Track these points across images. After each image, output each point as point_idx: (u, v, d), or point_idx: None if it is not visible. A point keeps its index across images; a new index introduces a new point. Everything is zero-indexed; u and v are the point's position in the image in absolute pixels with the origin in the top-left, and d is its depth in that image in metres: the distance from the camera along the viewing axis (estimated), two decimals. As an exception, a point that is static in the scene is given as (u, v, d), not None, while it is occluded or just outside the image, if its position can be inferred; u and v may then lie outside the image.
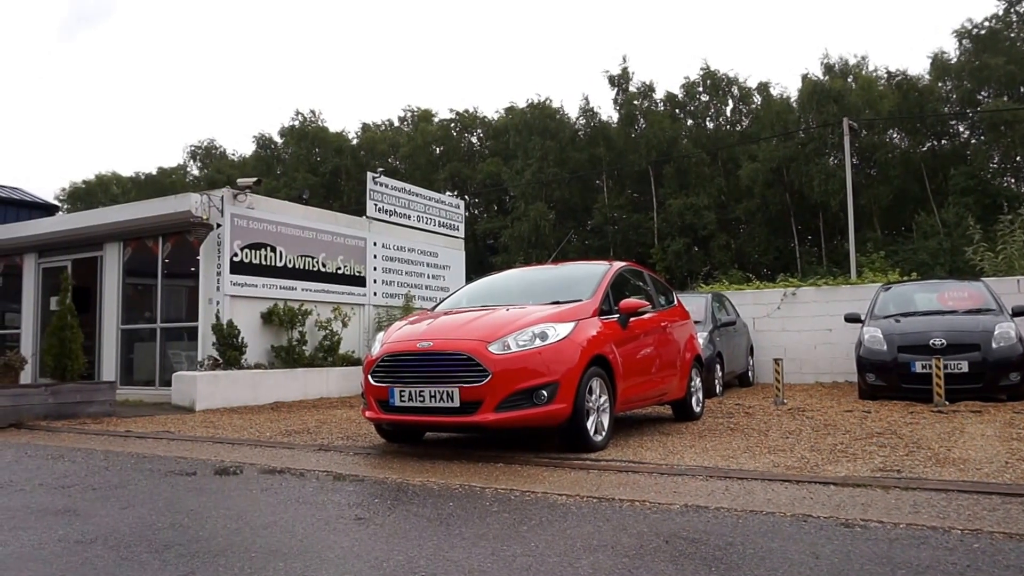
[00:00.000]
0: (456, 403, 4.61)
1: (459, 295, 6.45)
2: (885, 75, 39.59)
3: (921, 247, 32.98)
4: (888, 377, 8.25)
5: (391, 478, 4.21)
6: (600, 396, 5.09)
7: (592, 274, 6.01)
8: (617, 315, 5.59)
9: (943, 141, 39.37)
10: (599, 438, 5.00)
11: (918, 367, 8.00)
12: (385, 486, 4.01)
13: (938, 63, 38.35)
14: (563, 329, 4.92)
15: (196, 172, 56.86)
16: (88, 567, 2.60)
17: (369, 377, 5.05)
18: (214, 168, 53.50)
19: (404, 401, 4.78)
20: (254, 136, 59.88)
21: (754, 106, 43.11)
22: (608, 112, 50.32)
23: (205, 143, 57.63)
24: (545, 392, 4.64)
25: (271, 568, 2.51)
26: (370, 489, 3.95)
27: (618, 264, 6.39)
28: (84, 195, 56.69)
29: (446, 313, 5.60)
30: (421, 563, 2.55)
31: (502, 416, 4.56)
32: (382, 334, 5.49)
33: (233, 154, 57.23)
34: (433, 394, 4.67)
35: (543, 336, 4.82)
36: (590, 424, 4.92)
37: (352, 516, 3.28)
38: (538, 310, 5.22)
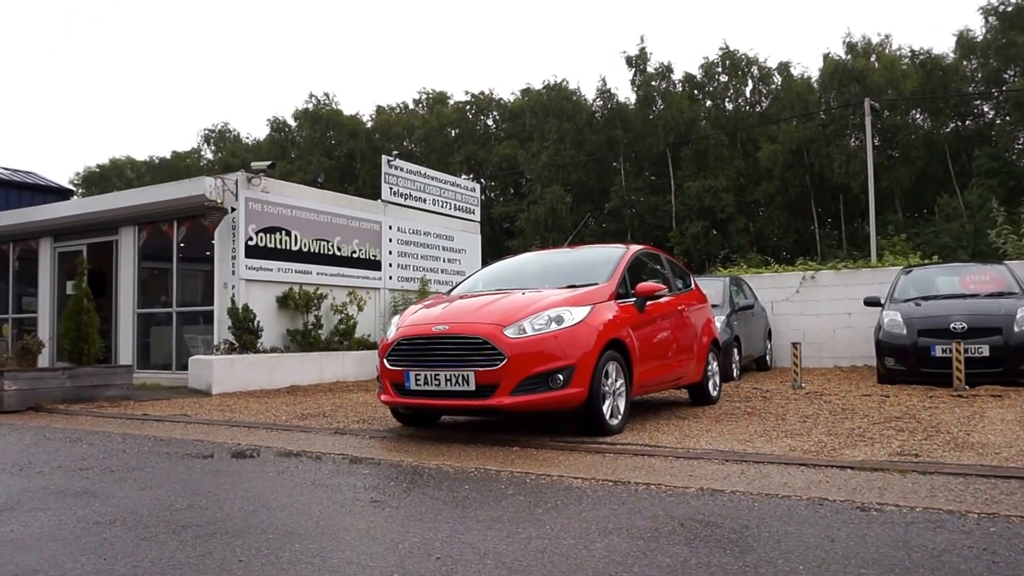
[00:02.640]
0: (472, 387, 4.63)
1: (474, 279, 6.46)
2: (908, 54, 38.77)
3: (943, 230, 32.44)
4: (907, 361, 8.18)
5: (407, 461, 4.25)
6: (616, 380, 5.09)
7: (609, 257, 6.00)
8: (634, 299, 5.58)
9: (967, 121, 38.57)
10: (615, 422, 5.01)
11: (938, 351, 7.93)
12: (401, 469, 4.05)
13: (963, 41, 37.44)
14: (579, 313, 4.92)
15: (210, 156, 57.18)
16: (107, 547, 2.66)
17: (384, 361, 5.08)
18: (228, 152, 53.74)
19: (420, 385, 4.81)
20: (268, 119, 60.15)
21: (774, 87, 42.46)
22: (625, 93, 49.90)
23: (219, 127, 57.86)
24: (561, 376, 4.65)
25: (287, 549, 2.56)
26: (386, 472, 3.99)
27: (635, 247, 6.37)
28: (99, 179, 57.26)
29: (461, 297, 5.61)
30: (436, 545, 2.58)
31: (518, 400, 4.58)
32: (397, 318, 5.52)
33: (247, 138, 57.49)
34: (449, 378, 4.70)
35: (559, 320, 4.82)
36: (606, 408, 4.93)
37: (368, 499, 3.32)
38: (554, 294, 5.22)
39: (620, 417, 5.09)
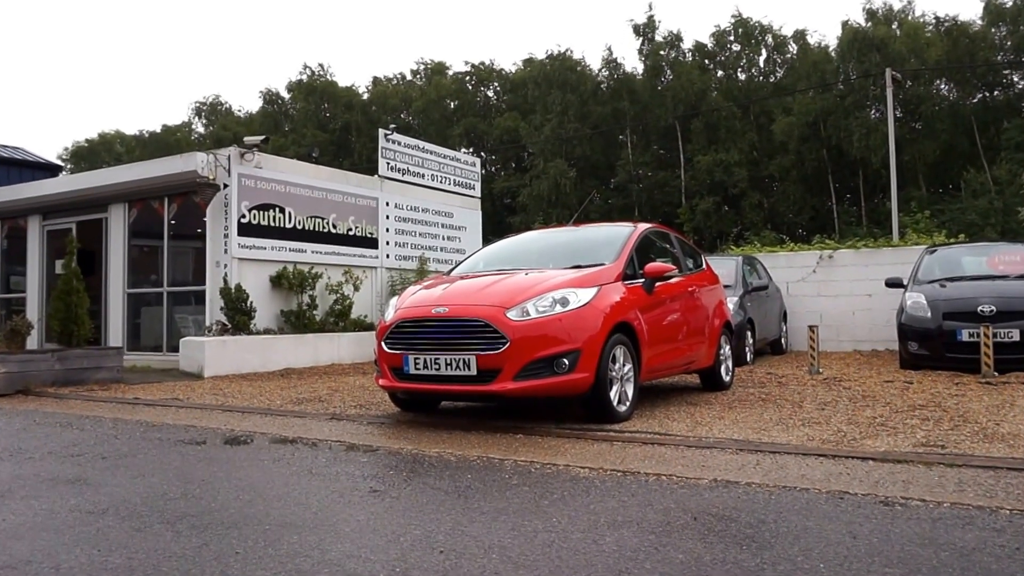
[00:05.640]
0: (473, 371, 4.60)
1: (476, 258, 6.41)
2: (933, 21, 38.20)
3: (970, 206, 32.15)
4: (932, 346, 8.10)
5: (406, 449, 4.24)
6: (624, 365, 5.06)
7: (616, 237, 5.94)
8: (642, 280, 5.53)
9: (995, 92, 38.06)
10: (623, 408, 4.99)
11: (965, 335, 7.84)
12: (400, 457, 4.04)
13: (991, 7, 36.82)
14: (585, 295, 4.88)
15: (201, 130, 56.97)
16: (101, 537, 2.66)
17: (383, 344, 5.06)
18: (220, 125, 53.51)
19: (419, 369, 4.79)
20: (260, 92, 59.68)
21: (789, 56, 41.96)
22: (632, 63, 49.42)
23: (210, 100, 57.59)
24: (566, 360, 4.62)
25: (285, 541, 2.55)
26: (385, 460, 3.98)
27: (643, 226, 6.30)
28: (87, 154, 57.15)
29: (462, 277, 5.57)
30: (439, 538, 2.57)
31: (521, 385, 4.56)
32: (396, 299, 5.49)
33: (239, 110, 57.21)
34: (449, 362, 4.67)
35: (564, 302, 4.78)
36: (613, 394, 4.91)
37: (367, 488, 3.31)
38: (559, 274, 5.17)
39: (628, 403, 5.07)
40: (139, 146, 55.83)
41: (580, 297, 4.84)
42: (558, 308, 4.74)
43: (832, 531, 2.63)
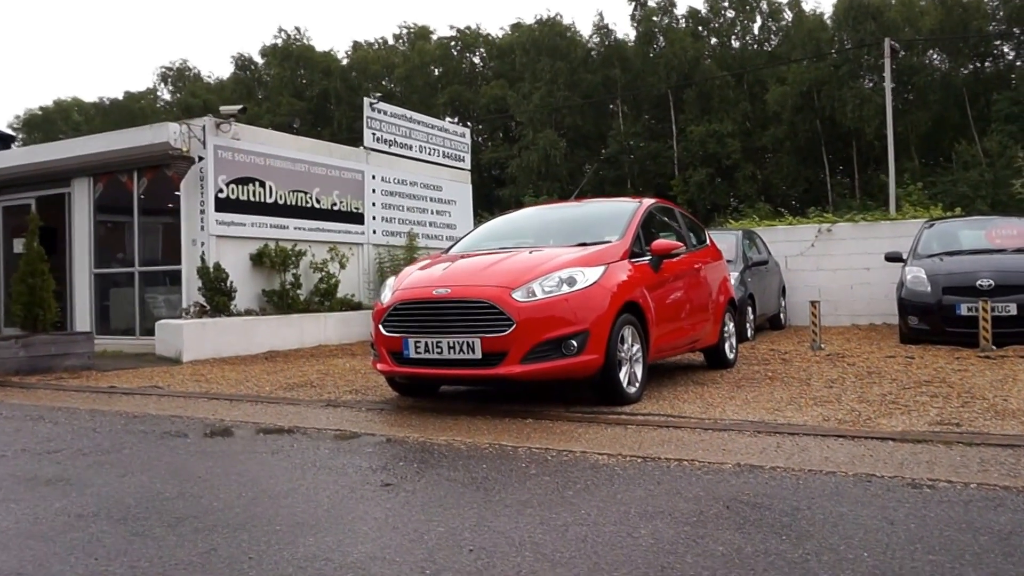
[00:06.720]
0: (478, 355, 4.54)
1: (474, 236, 6.32)
2: (928, -12, 38.24)
3: (961, 178, 32.55)
4: (932, 320, 8.21)
5: (412, 437, 4.18)
6: (633, 345, 5.03)
7: (621, 213, 5.88)
8: (648, 257, 5.49)
9: (986, 63, 38.34)
10: (632, 390, 4.97)
11: (963, 310, 7.96)
12: (407, 446, 3.98)
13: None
14: (592, 274, 4.82)
15: (168, 97, 55.78)
16: (97, 544, 2.54)
17: (380, 327, 4.97)
18: (188, 92, 52.35)
19: (420, 353, 4.72)
20: (232, 56, 58.58)
21: (784, 23, 41.88)
22: (624, 30, 49.09)
23: (177, 64, 56.37)
24: (575, 342, 4.57)
25: (300, 544, 2.47)
26: (391, 450, 3.92)
27: (647, 201, 6.25)
28: (42, 123, 55.70)
29: (462, 256, 5.48)
30: (466, 535, 2.51)
31: (529, 368, 4.51)
32: (392, 280, 5.39)
33: (209, 76, 56.10)
34: (452, 345, 4.60)
35: (571, 281, 4.73)
36: (623, 375, 4.88)
37: (378, 482, 3.24)
38: (564, 253, 5.11)
39: (638, 385, 5.05)
40: (99, 114, 54.46)
41: (587, 276, 4.78)
42: (565, 288, 4.68)
43: (867, 517, 2.62)
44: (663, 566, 2.21)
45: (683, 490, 3.00)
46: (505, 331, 4.50)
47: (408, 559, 2.31)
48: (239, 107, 10.13)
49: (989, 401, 4.68)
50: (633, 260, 5.30)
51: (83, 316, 10.87)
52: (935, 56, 38.42)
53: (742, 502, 2.82)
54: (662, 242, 5.64)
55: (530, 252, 5.23)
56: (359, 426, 4.59)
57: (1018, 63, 37.18)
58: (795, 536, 2.45)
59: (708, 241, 7.24)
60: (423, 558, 2.31)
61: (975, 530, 2.47)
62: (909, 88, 37.70)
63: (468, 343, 4.56)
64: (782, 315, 11.49)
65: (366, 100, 12.55)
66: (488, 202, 34.43)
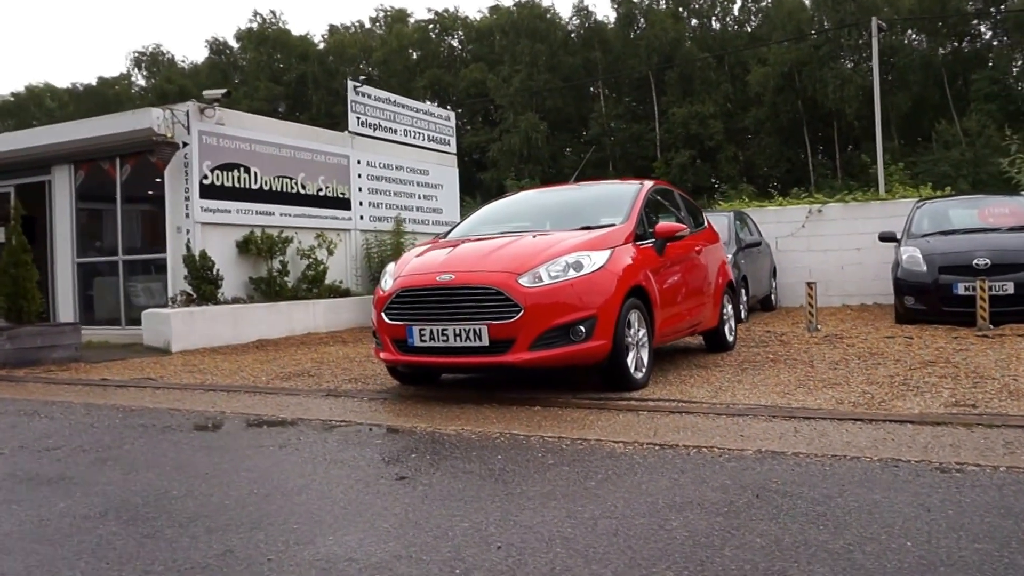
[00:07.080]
0: (485, 342, 4.44)
1: (472, 221, 6.18)
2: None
3: (942, 157, 32.81)
4: (928, 300, 8.21)
5: (420, 427, 4.07)
6: (639, 330, 4.96)
7: (623, 195, 5.78)
8: (652, 240, 5.40)
9: (964, 43, 38.58)
10: (639, 375, 4.90)
11: (960, 289, 7.95)
12: (416, 437, 3.86)
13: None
14: (599, 258, 4.73)
15: (142, 82, 54.74)
16: (107, 547, 2.41)
17: (383, 315, 4.84)
18: (163, 78, 51.39)
19: (425, 341, 4.60)
20: (207, 41, 57.40)
21: (765, 4, 41.74)
22: (604, 11, 48.87)
23: (151, 49, 55.22)
24: (583, 328, 4.48)
25: (320, 543, 2.36)
26: (401, 442, 3.80)
27: (649, 184, 6.16)
28: (14, 110, 54.47)
29: (463, 241, 5.35)
30: (491, 531, 2.41)
31: (537, 355, 4.41)
32: (392, 266, 5.26)
33: (183, 61, 55.15)
34: (458, 333, 4.49)
35: (577, 266, 4.63)
36: (630, 360, 4.81)
37: (393, 475, 3.13)
38: (569, 236, 5.00)
39: (644, 370, 4.98)
40: (73, 101, 53.33)
41: (594, 260, 4.69)
42: (572, 273, 4.59)
43: (902, 504, 2.56)
44: (702, 560, 2.13)
45: (708, 479, 2.92)
46: (512, 317, 4.39)
47: (435, 558, 2.20)
48: (223, 91, 9.86)
49: (1000, 381, 4.65)
50: (638, 243, 5.22)
51: (66, 306, 10.61)
52: (914, 36, 38.58)
53: (771, 490, 2.75)
54: (666, 224, 5.57)
55: (534, 236, 5.12)
56: (364, 416, 4.46)
57: (995, 43, 37.44)
58: (832, 526, 2.38)
59: (706, 224, 7.17)
60: (450, 556, 2.21)
61: (1015, 516, 2.41)
62: (890, 68, 37.85)
63: (475, 330, 4.45)
64: (773, 296, 11.49)
65: (350, 83, 12.30)
66: (470, 186, 34.15)
